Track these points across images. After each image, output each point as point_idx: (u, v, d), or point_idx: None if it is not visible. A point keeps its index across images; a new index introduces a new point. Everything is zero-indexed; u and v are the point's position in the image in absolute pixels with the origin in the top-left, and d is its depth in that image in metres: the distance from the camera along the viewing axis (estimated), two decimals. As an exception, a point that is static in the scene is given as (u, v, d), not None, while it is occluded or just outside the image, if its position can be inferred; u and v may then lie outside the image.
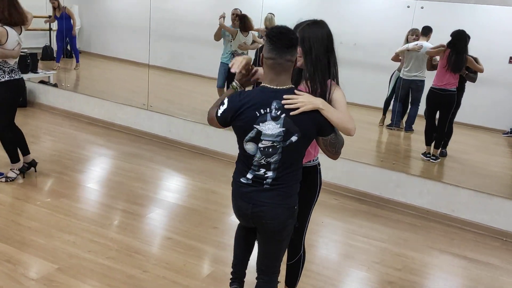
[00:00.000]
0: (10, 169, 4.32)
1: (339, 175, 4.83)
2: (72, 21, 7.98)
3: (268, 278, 2.36)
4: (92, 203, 4.07)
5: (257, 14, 5.95)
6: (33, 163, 4.47)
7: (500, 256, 3.87)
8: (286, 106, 2.01)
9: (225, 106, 2.09)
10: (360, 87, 6.21)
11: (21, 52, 6.98)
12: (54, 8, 7.82)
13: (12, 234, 3.38)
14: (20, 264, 3.03)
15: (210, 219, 3.94)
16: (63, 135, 5.82)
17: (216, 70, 6.30)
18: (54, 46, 8.74)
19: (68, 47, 8.73)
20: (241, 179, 2.18)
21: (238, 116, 2.06)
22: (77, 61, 8.30)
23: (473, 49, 5.30)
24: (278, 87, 2.05)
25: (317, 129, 2.10)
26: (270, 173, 2.11)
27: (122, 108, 6.26)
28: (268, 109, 2.03)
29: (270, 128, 2.03)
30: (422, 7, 4.54)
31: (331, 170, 4.80)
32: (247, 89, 2.24)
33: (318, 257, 3.58)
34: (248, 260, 2.61)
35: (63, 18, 7.79)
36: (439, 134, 5.11)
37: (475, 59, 4.87)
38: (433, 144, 5.13)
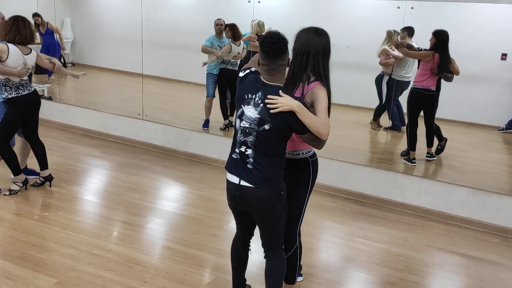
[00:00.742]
0: (13, 182, 4.33)
1: (336, 178, 4.83)
2: (57, 35, 7.89)
3: (273, 250, 2.59)
4: (90, 215, 4.05)
5: (247, 20, 5.97)
6: (48, 178, 4.52)
7: (501, 252, 3.87)
8: (268, 105, 2.31)
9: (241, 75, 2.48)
10: (354, 89, 6.23)
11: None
12: (37, 25, 7.73)
13: (10, 249, 3.36)
14: (19, 280, 3.01)
15: (209, 227, 3.93)
16: (59, 148, 5.80)
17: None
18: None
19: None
20: (232, 155, 2.48)
21: (239, 90, 2.44)
22: (49, 75, 8.20)
23: (464, 47, 5.33)
24: (267, 82, 2.37)
25: (289, 127, 2.36)
26: (249, 151, 2.39)
27: (117, 119, 6.25)
28: (253, 95, 2.37)
29: (250, 111, 2.37)
30: (412, 7, 4.57)
31: (328, 173, 4.80)
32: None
33: (318, 261, 3.57)
34: (245, 269, 2.78)
35: (49, 34, 7.72)
36: (430, 132, 5.13)
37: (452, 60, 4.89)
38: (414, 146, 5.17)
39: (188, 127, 5.87)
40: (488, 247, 3.95)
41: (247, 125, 2.37)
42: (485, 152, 5.71)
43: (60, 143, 6.00)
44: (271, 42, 2.30)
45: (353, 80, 6.27)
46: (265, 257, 2.62)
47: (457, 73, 4.84)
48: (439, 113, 5.19)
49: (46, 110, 6.84)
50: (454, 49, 4.98)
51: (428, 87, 4.90)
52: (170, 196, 4.68)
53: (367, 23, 6.02)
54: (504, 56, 5.42)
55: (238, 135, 2.43)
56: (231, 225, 3.97)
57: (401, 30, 5.05)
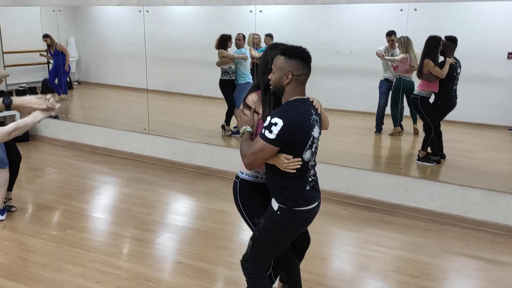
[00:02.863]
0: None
1: (346, 185, 4.76)
2: (66, 56, 8.01)
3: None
4: (99, 233, 4.02)
5: (250, 30, 5.97)
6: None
7: (519, 254, 3.77)
8: (318, 110, 2.35)
9: (279, 127, 2.13)
10: (359, 94, 6.18)
11: (20, 87, 7.06)
12: (48, 45, 7.89)
13: (20, 270, 3.33)
14: (29, 300, 2.97)
15: (220, 240, 3.88)
16: (66, 166, 5.80)
17: (215, 90, 6.29)
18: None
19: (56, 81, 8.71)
20: (305, 188, 2.31)
21: (301, 129, 2.21)
22: (65, 93, 8.28)
23: (470, 47, 5.27)
24: (307, 96, 2.34)
25: None
26: (313, 171, 2.38)
27: (124, 134, 6.25)
28: (313, 116, 2.28)
29: (316, 131, 2.31)
30: (415, 9, 4.52)
31: (338, 180, 4.74)
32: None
33: (332, 270, 3.50)
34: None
35: (58, 55, 7.84)
36: (425, 136, 5.14)
37: (442, 63, 4.84)
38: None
39: (195, 139, 5.84)
40: (505, 249, 3.85)
41: (315, 145, 2.33)
42: (496, 153, 5.62)
43: (68, 161, 6.00)
44: (304, 49, 2.25)
45: (358, 85, 6.22)
46: (295, 264, 2.73)
47: (439, 75, 4.83)
48: (448, 115, 5.12)
49: (53, 129, 6.87)
50: (460, 50, 4.93)
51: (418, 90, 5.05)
52: (179, 210, 4.64)
53: (370, 27, 5.98)
54: (510, 55, 5.36)
55: (311, 163, 2.32)
56: (242, 237, 3.92)
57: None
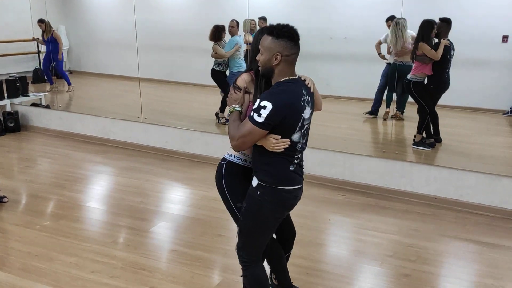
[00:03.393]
0: None
1: (342, 170, 4.73)
2: (59, 45, 7.89)
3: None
4: (93, 222, 3.97)
5: (244, 16, 5.89)
6: None
7: (515, 237, 3.77)
8: (311, 89, 2.29)
9: (268, 110, 2.06)
10: (354, 80, 6.14)
11: (10, 76, 6.95)
12: (42, 31, 7.75)
13: (13, 261, 3.28)
14: (22, 291, 2.93)
15: (215, 227, 3.84)
16: (59, 156, 5.73)
17: (208, 78, 6.22)
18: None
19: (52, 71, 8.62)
20: (290, 168, 2.24)
21: (291, 112, 2.13)
22: (69, 84, 8.19)
23: (465, 31, 5.24)
24: (298, 75, 2.25)
25: None
26: (300, 155, 2.30)
27: (116, 123, 6.17)
28: (304, 97, 2.20)
29: (307, 112, 2.22)
30: (410, -8, 4.48)
31: (334, 166, 4.71)
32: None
33: (328, 256, 3.48)
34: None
35: (50, 42, 7.71)
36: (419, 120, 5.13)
37: (436, 44, 4.80)
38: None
39: (189, 127, 5.78)
40: (502, 233, 3.85)
41: (306, 127, 2.25)
42: (491, 137, 5.61)
43: (60, 151, 5.93)
44: (292, 28, 2.15)
45: (352, 71, 6.17)
46: (288, 251, 2.71)
47: (434, 57, 4.78)
48: (442, 100, 5.10)
49: (44, 119, 6.78)
50: (455, 34, 4.89)
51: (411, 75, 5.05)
52: (174, 198, 4.60)
53: (365, 12, 5.93)
54: (505, 39, 5.33)
55: (300, 145, 2.24)
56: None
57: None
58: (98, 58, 9.45)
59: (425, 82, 5.00)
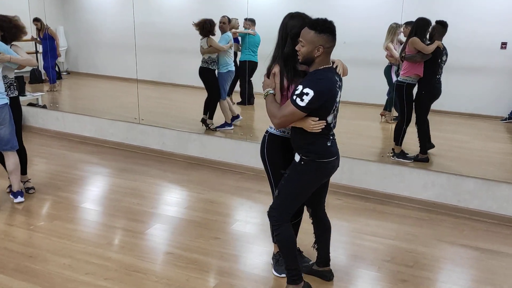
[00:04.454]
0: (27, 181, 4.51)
1: (340, 174, 4.70)
2: (55, 41, 7.87)
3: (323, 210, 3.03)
4: (88, 223, 3.92)
5: (242, 17, 5.87)
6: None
7: (513, 244, 3.75)
8: (341, 75, 2.66)
9: (310, 97, 2.40)
10: (352, 85, 6.12)
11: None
12: (37, 30, 7.73)
13: (6, 262, 3.23)
14: (15, 293, 2.89)
15: (211, 230, 3.81)
16: (55, 156, 5.69)
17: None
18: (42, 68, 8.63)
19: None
20: (327, 144, 2.62)
21: (329, 98, 2.48)
22: (53, 82, 8.12)
23: (464, 37, 5.23)
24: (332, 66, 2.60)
25: None
26: (333, 131, 2.69)
27: (113, 124, 6.13)
28: (338, 83, 2.57)
29: (339, 96, 2.61)
30: (411, -4, 4.47)
31: (332, 170, 4.68)
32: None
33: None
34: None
35: (47, 39, 7.68)
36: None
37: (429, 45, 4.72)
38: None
39: (186, 129, 5.75)
40: (500, 239, 3.82)
41: (337, 109, 2.63)
42: (489, 143, 5.60)
43: (56, 151, 5.88)
44: (331, 23, 2.45)
45: (351, 76, 6.15)
46: (326, 221, 3.02)
47: (424, 51, 4.64)
48: (440, 106, 5.06)
49: (41, 119, 6.74)
50: (454, 41, 4.87)
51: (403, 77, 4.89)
52: (170, 200, 4.56)
53: (365, 16, 5.92)
54: (504, 45, 5.33)
55: (332, 124, 2.63)
56: (234, 227, 3.85)
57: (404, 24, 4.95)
58: (96, 59, 9.43)
59: (415, 91, 4.85)
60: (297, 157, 2.65)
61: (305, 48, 2.45)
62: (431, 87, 4.79)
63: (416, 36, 4.65)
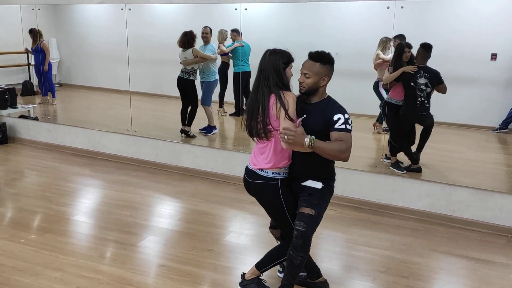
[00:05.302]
0: None
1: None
2: (46, 55, 7.83)
3: None
4: (80, 236, 3.87)
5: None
6: None
7: (507, 253, 3.74)
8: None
9: (349, 118, 2.64)
10: (345, 96, 6.13)
11: (-1, 88, 6.87)
12: (32, 42, 7.71)
13: (-5, 276, 3.18)
14: (4, 307, 2.83)
15: (205, 242, 3.77)
16: (46, 169, 5.63)
17: (199, 92, 6.18)
18: (34, 80, 8.59)
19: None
20: (334, 165, 2.96)
21: None
22: (54, 96, 8.10)
23: (455, 48, 5.27)
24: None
25: None
26: None
27: (106, 136, 6.10)
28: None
29: None
30: (402, 7, 4.49)
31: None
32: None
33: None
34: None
35: (39, 52, 7.66)
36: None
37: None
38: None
39: (179, 140, 5.72)
40: (494, 249, 3.82)
41: None
42: (481, 153, 5.62)
43: (48, 163, 5.83)
44: (330, 54, 2.68)
45: (343, 87, 6.16)
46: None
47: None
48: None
49: (33, 131, 6.69)
50: (445, 52, 4.92)
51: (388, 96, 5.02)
52: (163, 212, 4.52)
53: (357, 27, 5.95)
54: (494, 56, 5.37)
55: None
56: (228, 239, 3.82)
57: (393, 38, 4.98)
58: (89, 71, 9.38)
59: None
60: (317, 185, 2.77)
61: (311, 80, 2.63)
62: (407, 109, 4.86)
63: (396, 61, 4.75)
